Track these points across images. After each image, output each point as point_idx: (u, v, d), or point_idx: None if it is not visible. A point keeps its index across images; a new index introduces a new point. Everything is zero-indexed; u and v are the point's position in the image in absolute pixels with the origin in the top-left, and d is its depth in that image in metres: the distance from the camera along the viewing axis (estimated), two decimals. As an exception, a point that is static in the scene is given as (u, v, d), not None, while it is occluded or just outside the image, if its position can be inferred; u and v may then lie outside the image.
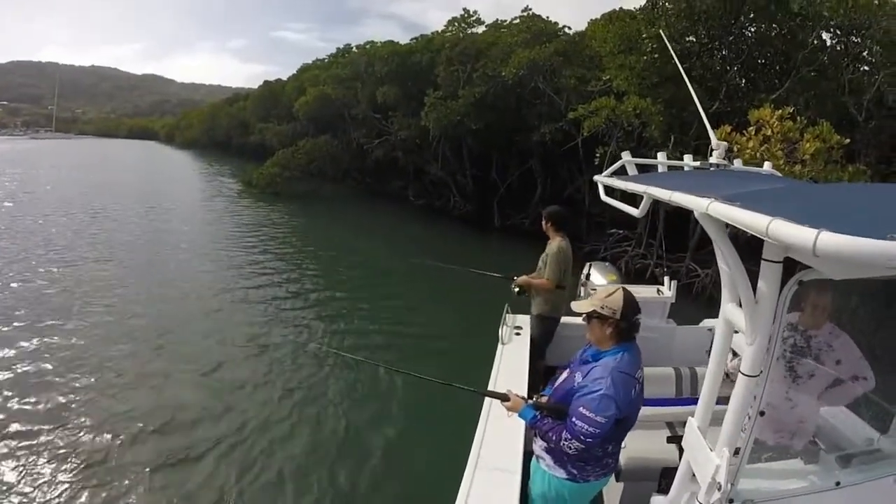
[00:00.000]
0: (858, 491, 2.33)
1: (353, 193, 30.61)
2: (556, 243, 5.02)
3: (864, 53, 12.10)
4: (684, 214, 12.97)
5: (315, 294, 11.75)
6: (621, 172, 3.81)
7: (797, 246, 1.35)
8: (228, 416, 6.43)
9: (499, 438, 3.27)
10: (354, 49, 28.39)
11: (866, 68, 12.13)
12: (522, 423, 3.07)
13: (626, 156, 3.83)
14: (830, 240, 1.24)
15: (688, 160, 4.01)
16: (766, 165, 4.06)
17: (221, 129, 59.27)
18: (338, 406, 6.83)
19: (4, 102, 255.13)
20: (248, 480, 5.34)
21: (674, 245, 14.22)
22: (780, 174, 4.25)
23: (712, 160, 3.40)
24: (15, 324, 8.88)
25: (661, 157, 4.00)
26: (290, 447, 5.92)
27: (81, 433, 5.96)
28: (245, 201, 26.25)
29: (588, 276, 5.50)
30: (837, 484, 2.31)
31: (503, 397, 2.94)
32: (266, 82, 43.61)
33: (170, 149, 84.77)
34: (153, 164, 54.79)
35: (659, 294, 5.35)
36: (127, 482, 5.17)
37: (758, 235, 1.55)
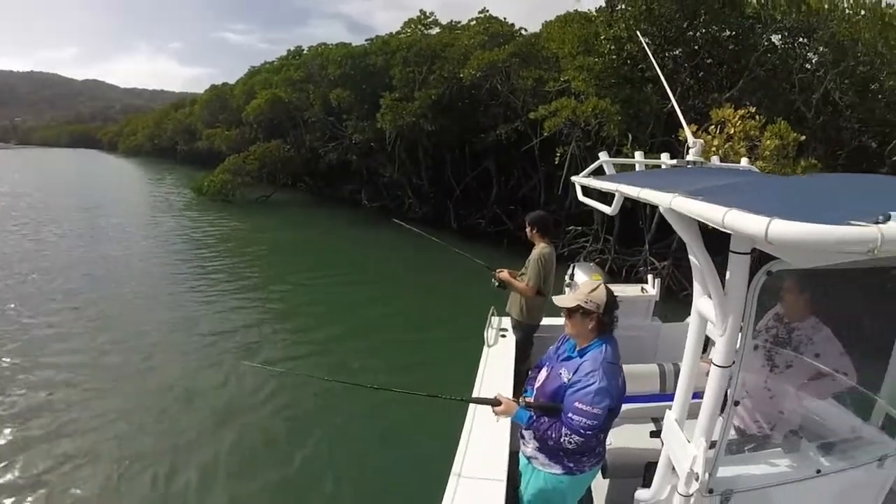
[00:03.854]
0: (839, 477, 2.42)
1: (305, 199, 30.18)
2: (538, 249, 4.95)
3: (812, 55, 12.58)
4: (641, 209, 13.51)
5: (280, 314, 10.89)
6: (598, 172, 3.82)
7: (751, 234, 1.39)
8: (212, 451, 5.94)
9: (485, 444, 3.25)
10: (306, 51, 27.83)
11: (810, 67, 12.59)
12: (508, 426, 3.14)
13: (603, 156, 3.84)
14: (782, 227, 1.29)
15: (665, 158, 3.99)
16: (744, 161, 4.16)
17: (166, 136, 57.38)
18: (312, 431, 6.38)
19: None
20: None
21: (631, 240, 14.66)
22: (757, 170, 4.29)
23: (689, 158, 3.44)
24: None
25: (638, 156, 4.05)
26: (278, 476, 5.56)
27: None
28: (195, 212, 25.03)
29: (572, 276, 5.48)
30: (818, 472, 2.37)
31: (493, 402, 2.89)
32: (213, 86, 42.36)
33: (114, 157, 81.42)
34: (97, 174, 51.53)
35: (643, 292, 5.38)
36: None
37: (715, 227, 1.58)
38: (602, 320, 2.70)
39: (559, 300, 2.89)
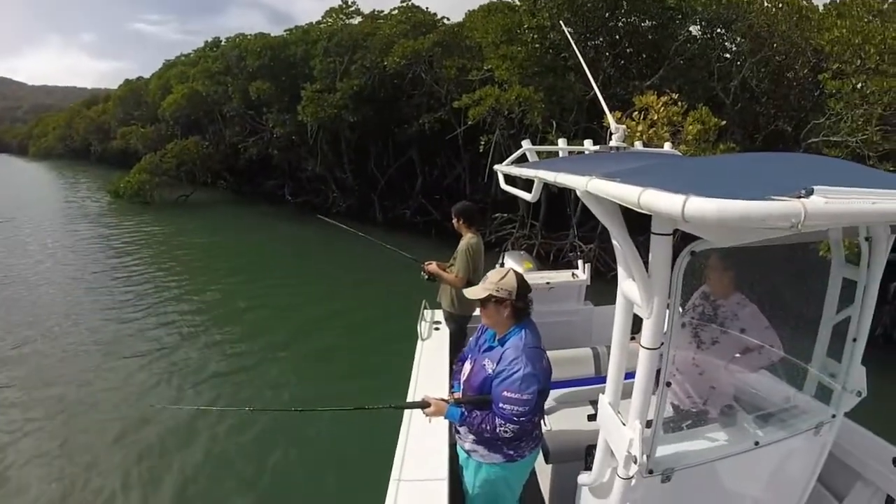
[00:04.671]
0: (778, 447, 2.45)
1: (226, 197, 29.11)
2: (465, 240, 4.98)
3: (730, 45, 12.93)
4: (567, 194, 13.57)
5: (206, 330, 9.62)
6: (522, 160, 3.80)
7: (667, 214, 1.37)
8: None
9: (422, 444, 3.20)
10: (224, 42, 26.54)
11: (729, 56, 12.96)
12: (444, 421, 3.08)
13: (526, 143, 3.83)
14: (699, 205, 1.27)
15: (588, 144, 3.97)
16: (667, 146, 4.18)
17: (79, 136, 54.14)
18: (240, 466, 5.69)
19: None
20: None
21: (558, 224, 15.02)
22: (680, 153, 4.37)
23: (612, 143, 3.46)
24: None
25: (561, 143, 4.05)
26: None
27: None
28: (113, 217, 23.11)
29: (503, 264, 5.58)
30: (756, 443, 2.39)
31: (422, 405, 2.88)
32: (127, 81, 40.09)
33: (24, 161, 75.62)
34: (3, 181, 45.68)
35: (574, 277, 5.48)
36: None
37: (631, 207, 1.56)
38: (516, 306, 2.71)
39: (470, 292, 2.86)
